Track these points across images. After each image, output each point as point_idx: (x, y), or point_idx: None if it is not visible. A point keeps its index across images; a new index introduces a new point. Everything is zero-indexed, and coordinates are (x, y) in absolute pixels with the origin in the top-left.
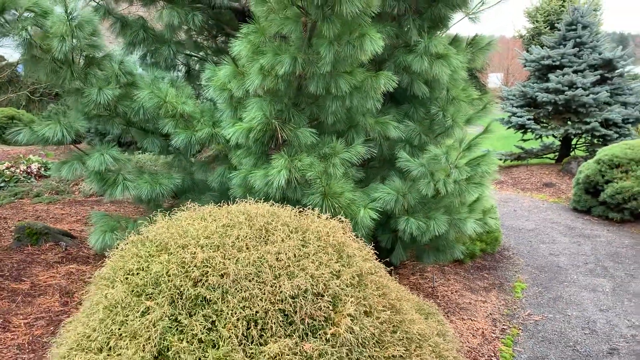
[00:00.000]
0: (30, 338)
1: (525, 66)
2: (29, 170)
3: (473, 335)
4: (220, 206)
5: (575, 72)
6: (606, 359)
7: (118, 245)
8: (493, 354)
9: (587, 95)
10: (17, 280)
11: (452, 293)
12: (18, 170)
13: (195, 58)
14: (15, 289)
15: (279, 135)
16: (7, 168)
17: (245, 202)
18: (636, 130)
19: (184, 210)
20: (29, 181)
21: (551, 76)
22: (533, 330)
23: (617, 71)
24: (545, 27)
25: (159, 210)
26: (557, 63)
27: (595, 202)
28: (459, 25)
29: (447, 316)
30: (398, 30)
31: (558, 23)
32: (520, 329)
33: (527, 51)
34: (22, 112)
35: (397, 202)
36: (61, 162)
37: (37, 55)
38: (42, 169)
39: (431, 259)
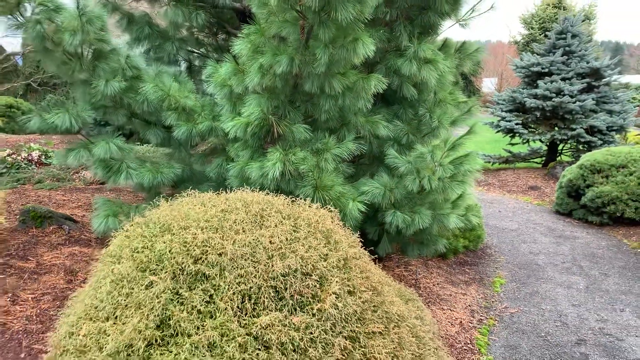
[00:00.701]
0: (38, 311)
1: (515, 72)
2: (29, 158)
3: (451, 324)
4: (218, 194)
5: (563, 79)
6: (574, 349)
7: (123, 226)
8: (469, 341)
9: (574, 103)
10: (23, 259)
11: (434, 285)
12: (19, 158)
13: (196, 54)
14: (22, 267)
15: (275, 130)
16: (9, 155)
17: (243, 190)
18: (622, 138)
19: (184, 197)
20: (29, 168)
21: (540, 83)
22: (508, 322)
23: (603, 80)
24: (540, 34)
25: (160, 196)
26: (546, 70)
27: (576, 206)
28: (455, 29)
29: (428, 305)
30: (390, 35)
31: (553, 24)
32: (496, 320)
33: (520, 57)
34: (20, 101)
35: (385, 196)
36: (67, 150)
37: (48, 47)
38: (43, 156)
39: (415, 252)
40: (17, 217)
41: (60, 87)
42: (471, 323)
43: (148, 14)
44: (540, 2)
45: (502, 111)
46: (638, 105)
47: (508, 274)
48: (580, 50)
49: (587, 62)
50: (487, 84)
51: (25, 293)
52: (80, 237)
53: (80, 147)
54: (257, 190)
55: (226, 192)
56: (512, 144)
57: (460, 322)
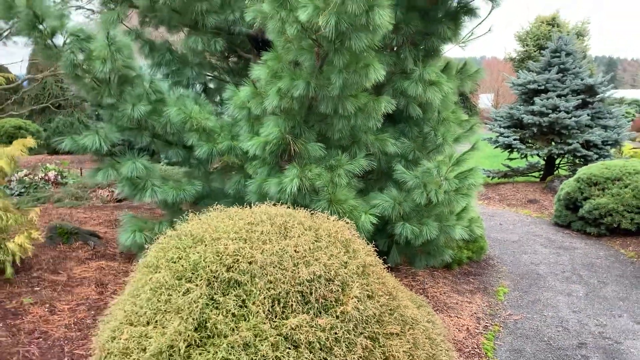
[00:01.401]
0: (75, 320)
1: (512, 89)
2: (46, 178)
3: (459, 330)
4: (242, 208)
5: (559, 96)
6: (575, 351)
7: (157, 239)
8: (476, 346)
9: (570, 118)
10: (54, 273)
11: (440, 294)
12: (36, 178)
13: (209, 77)
14: (54, 280)
15: (292, 149)
16: (26, 175)
17: (266, 204)
18: (618, 152)
19: (212, 211)
20: (47, 188)
21: (536, 99)
22: (512, 328)
23: (598, 96)
24: (535, 51)
25: (183, 212)
26: (542, 87)
27: (574, 218)
28: (453, 46)
29: (436, 313)
30: (396, 59)
31: (547, 43)
32: (501, 326)
33: (517, 75)
34: (28, 122)
35: (394, 209)
36: (96, 169)
37: (79, 74)
38: (59, 176)
39: (423, 262)
40: (45, 233)
41: (66, 108)
42: (477, 329)
43: (168, 41)
44: (534, 20)
45: (500, 127)
46: (632, 120)
47: (511, 283)
48: (574, 68)
49: (582, 79)
50: (484, 100)
51: (61, 304)
52: (105, 252)
53: (108, 166)
54: (274, 204)
55: (245, 208)
56: (511, 159)
57: (467, 328)
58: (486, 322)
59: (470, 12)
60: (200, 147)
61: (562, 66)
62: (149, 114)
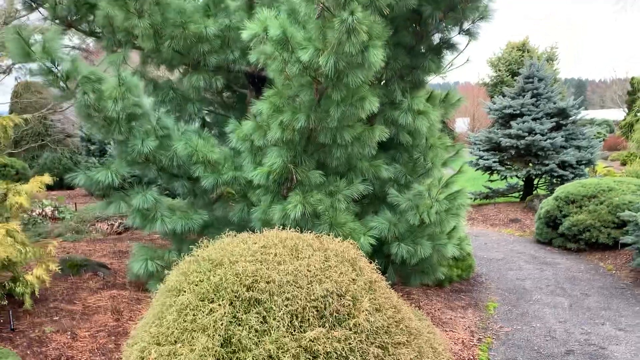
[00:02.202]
0: (97, 345)
1: (489, 114)
2: (43, 213)
3: (455, 343)
4: (252, 234)
5: (534, 119)
6: (564, 358)
7: (176, 264)
8: (472, 357)
9: (545, 140)
10: (70, 303)
11: (435, 310)
12: (34, 214)
13: (206, 111)
14: (71, 310)
15: (294, 177)
16: (24, 211)
17: (276, 229)
18: (592, 170)
19: (223, 237)
20: (44, 223)
21: (513, 123)
22: (504, 339)
23: (570, 118)
24: (507, 75)
25: (194, 241)
26: (518, 112)
27: (555, 234)
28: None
29: None
30: (386, 91)
31: (519, 70)
32: (493, 338)
33: (492, 99)
34: (13, 159)
35: (390, 230)
36: (107, 202)
37: (91, 114)
38: (55, 211)
39: (417, 280)
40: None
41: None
42: (472, 341)
43: (171, 80)
44: (505, 46)
45: (479, 150)
46: (603, 140)
47: (499, 298)
48: (547, 93)
49: (554, 103)
50: (460, 124)
51: (81, 331)
52: (115, 281)
53: (119, 199)
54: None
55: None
56: (491, 181)
57: (462, 341)
58: (479, 335)
59: (452, 46)
60: (206, 178)
61: (535, 91)
62: (157, 149)
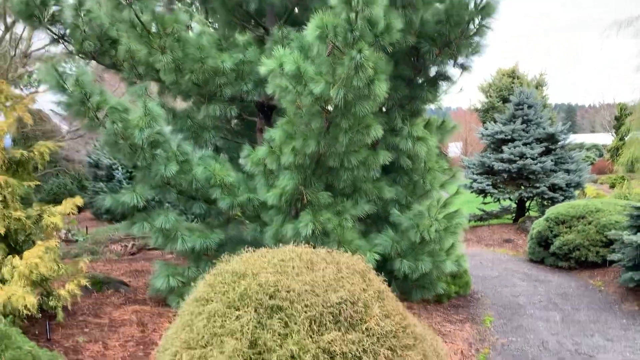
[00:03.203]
0: (128, 353)
1: (482, 139)
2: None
3: (454, 353)
4: (270, 249)
5: (524, 144)
6: None
7: (202, 277)
8: None
9: (536, 164)
10: (97, 316)
11: (435, 324)
12: None
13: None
14: (98, 323)
15: (305, 198)
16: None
17: (292, 244)
18: (582, 193)
19: (244, 253)
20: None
21: (504, 148)
22: (500, 350)
23: (559, 143)
24: (498, 101)
25: (222, 256)
26: (509, 137)
27: (547, 254)
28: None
29: None
30: (387, 119)
31: (510, 96)
32: (490, 349)
33: (483, 124)
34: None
35: (393, 247)
36: (131, 222)
37: (118, 141)
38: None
39: (418, 295)
40: None
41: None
42: (470, 352)
43: (187, 109)
44: (495, 73)
45: (473, 174)
46: (592, 163)
47: (495, 313)
48: (536, 118)
49: (544, 129)
50: (453, 149)
51: (111, 341)
52: (136, 297)
53: (142, 219)
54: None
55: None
56: (485, 203)
57: (461, 351)
58: (477, 346)
59: (447, 78)
60: (223, 199)
61: (525, 117)
62: (177, 173)
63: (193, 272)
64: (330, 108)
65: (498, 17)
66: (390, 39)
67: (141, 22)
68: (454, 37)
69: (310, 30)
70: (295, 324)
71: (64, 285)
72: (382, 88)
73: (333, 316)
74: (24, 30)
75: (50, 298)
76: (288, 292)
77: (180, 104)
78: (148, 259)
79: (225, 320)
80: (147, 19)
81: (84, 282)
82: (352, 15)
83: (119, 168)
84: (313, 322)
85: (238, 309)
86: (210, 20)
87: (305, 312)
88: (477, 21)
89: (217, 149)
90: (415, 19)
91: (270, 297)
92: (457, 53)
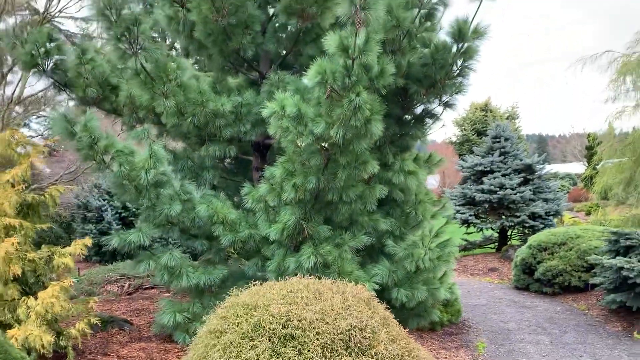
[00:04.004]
0: None
1: (462, 172)
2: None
3: None
4: (277, 282)
5: (503, 175)
6: None
7: (214, 310)
8: None
9: (515, 194)
10: (105, 355)
11: (430, 351)
12: None
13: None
14: None
15: (306, 232)
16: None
17: (298, 277)
18: (560, 221)
19: (252, 287)
20: None
21: (484, 179)
22: None
23: (536, 173)
24: (472, 134)
25: (232, 289)
26: (488, 169)
27: (531, 280)
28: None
29: None
30: (380, 155)
31: (484, 129)
32: None
33: (459, 156)
34: None
35: (390, 276)
36: (137, 261)
37: (124, 183)
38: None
39: (415, 323)
40: None
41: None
42: None
43: (188, 150)
44: (469, 107)
45: (456, 205)
46: (567, 192)
47: (487, 339)
48: (513, 151)
49: (521, 160)
50: (430, 181)
51: None
52: (140, 335)
53: (147, 258)
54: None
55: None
56: (468, 233)
57: None
58: None
59: (433, 116)
60: (225, 236)
61: (502, 149)
62: (181, 212)
63: (198, 308)
64: (326, 146)
65: (479, 59)
66: (384, 82)
67: (145, 70)
68: (439, 78)
69: (311, 76)
70: (309, 351)
71: (72, 324)
72: (378, 127)
73: (344, 342)
74: (21, 78)
75: (61, 337)
76: (300, 321)
77: (173, 145)
78: (146, 298)
79: (240, 351)
80: (150, 67)
81: (94, 320)
82: (349, 61)
83: (109, 209)
84: (325, 348)
85: (252, 339)
86: (196, 64)
87: (317, 339)
88: (459, 63)
89: (214, 188)
90: (403, 63)
91: (283, 327)
92: (442, 92)
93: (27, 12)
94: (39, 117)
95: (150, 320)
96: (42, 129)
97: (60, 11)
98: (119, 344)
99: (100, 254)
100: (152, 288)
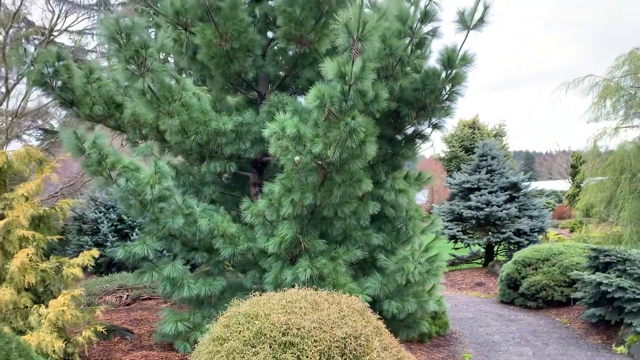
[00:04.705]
0: None
1: (450, 188)
2: None
3: None
4: (275, 293)
5: (490, 192)
6: None
7: (216, 319)
8: None
9: (501, 211)
10: None
11: None
12: None
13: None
14: None
15: (302, 245)
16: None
17: (297, 288)
18: (545, 237)
19: (252, 297)
20: None
21: (472, 196)
22: None
23: (521, 191)
24: (460, 151)
25: (233, 299)
26: (476, 186)
27: (516, 295)
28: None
29: None
30: (373, 173)
31: (473, 147)
32: None
33: (447, 172)
34: None
35: (381, 289)
36: (140, 272)
37: (129, 197)
38: None
39: (404, 334)
40: None
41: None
42: None
43: (189, 166)
44: (457, 124)
45: (444, 221)
46: (552, 209)
47: (473, 350)
48: (500, 169)
49: (507, 178)
50: (419, 197)
51: None
52: (141, 344)
53: (149, 269)
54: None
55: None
56: (456, 249)
57: None
58: None
59: (423, 137)
60: (225, 249)
61: (489, 167)
62: (183, 225)
63: (198, 317)
64: (323, 165)
65: (467, 85)
66: (378, 106)
67: (152, 90)
68: (429, 102)
69: (310, 99)
70: (307, 357)
71: (78, 333)
72: (372, 148)
73: (340, 349)
74: (26, 94)
75: (68, 345)
76: (299, 329)
77: (173, 161)
78: (144, 309)
79: (243, 357)
80: (156, 87)
81: (100, 328)
82: (346, 87)
83: (105, 222)
84: (322, 355)
85: (254, 346)
86: (190, 77)
87: (315, 346)
88: (448, 88)
89: (212, 202)
90: (396, 87)
91: (283, 334)
92: (432, 115)
93: (22, 24)
94: (30, 128)
95: (150, 330)
96: (32, 140)
97: (66, 30)
98: (122, 352)
99: (96, 265)
100: (150, 299)
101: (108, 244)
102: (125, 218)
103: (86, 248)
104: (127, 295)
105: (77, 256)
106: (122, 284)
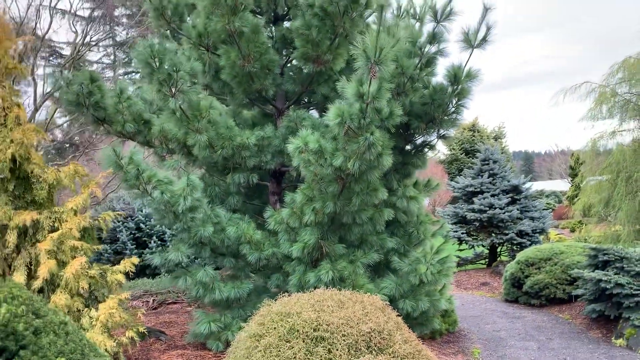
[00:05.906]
0: None
1: (454, 192)
2: None
3: None
4: (302, 293)
5: (492, 195)
6: None
7: (252, 319)
8: None
9: (504, 213)
10: None
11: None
12: None
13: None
14: None
15: (324, 250)
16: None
17: (322, 289)
18: (546, 238)
19: (281, 298)
20: None
21: (475, 199)
22: None
23: (523, 194)
24: (460, 154)
25: (264, 300)
26: (478, 189)
27: (520, 293)
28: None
29: None
30: (385, 182)
31: (473, 150)
32: None
33: (449, 175)
34: None
35: (397, 289)
36: (174, 277)
37: (163, 208)
38: None
39: (418, 331)
40: None
41: None
42: None
43: (216, 178)
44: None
45: (448, 224)
46: (552, 210)
47: (481, 346)
48: (501, 172)
49: (508, 181)
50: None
51: None
52: (175, 344)
53: (183, 274)
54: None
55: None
56: (460, 250)
57: None
58: None
59: (432, 147)
60: (251, 254)
61: (491, 171)
62: (213, 233)
63: (228, 318)
64: (343, 176)
65: (471, 98)
66: (393, 122)
67: (182, 109)
68: (437, 115)
69: (331, 117)
70: (337, 350)
71: (122, 333)
72: (388, 160)
73: (365, 343)
74: (55, 111)
75: (116, 344)
76: (328, 325)
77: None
78: (171, 312)
79: (279, 351)
80: (185, 106)
81: (141, 329)
82: (364, 106)
83: (123, 230)
84: (350, 348)
85: (289, 341)
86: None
87: (344, 340)
88: (454, 102)
89: (234, 211)
90: (407, 102)
91: (314, 330)
92: (440, 127)
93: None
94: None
95: (181, 331)
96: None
97: (89, 48)
98: (159, 351)
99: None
100: (175, 303)
101: (127, 251)
102: (143, 227)
103: (105, 256)
104: (153, 299)
105: (98, 262)
106: (147, 289)
